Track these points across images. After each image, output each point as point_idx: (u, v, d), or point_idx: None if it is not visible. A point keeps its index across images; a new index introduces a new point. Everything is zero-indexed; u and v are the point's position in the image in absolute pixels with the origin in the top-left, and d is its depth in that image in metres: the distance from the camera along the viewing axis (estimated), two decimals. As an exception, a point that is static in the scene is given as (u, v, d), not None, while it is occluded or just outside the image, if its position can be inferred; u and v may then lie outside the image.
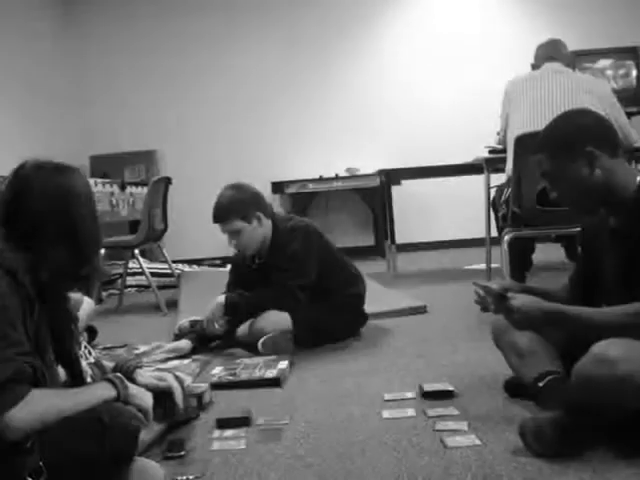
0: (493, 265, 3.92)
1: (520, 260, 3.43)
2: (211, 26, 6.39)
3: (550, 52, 3.24)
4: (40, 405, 1.29)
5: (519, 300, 1.58)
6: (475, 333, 2.74)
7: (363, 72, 6.38)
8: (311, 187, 5.93)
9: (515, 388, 1.87)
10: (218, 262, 5.74)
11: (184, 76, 6.42)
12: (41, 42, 5.84)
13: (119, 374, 1.55)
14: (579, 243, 1.82)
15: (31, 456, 1.26)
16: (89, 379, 1.57)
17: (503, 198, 3.15)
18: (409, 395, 1.97)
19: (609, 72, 6.04)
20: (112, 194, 4.55)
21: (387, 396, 1.98)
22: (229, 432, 1.76)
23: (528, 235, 3.06)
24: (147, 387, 1.61)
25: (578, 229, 1.83)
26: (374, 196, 6.01)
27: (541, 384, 1.65)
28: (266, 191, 4.93)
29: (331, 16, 6.36)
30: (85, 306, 2.83)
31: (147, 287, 4.71)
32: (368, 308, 2.94)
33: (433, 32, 6.36)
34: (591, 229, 1.73)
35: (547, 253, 4.70)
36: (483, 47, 6.29)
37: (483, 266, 4.23)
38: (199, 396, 1.96)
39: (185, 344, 2.69)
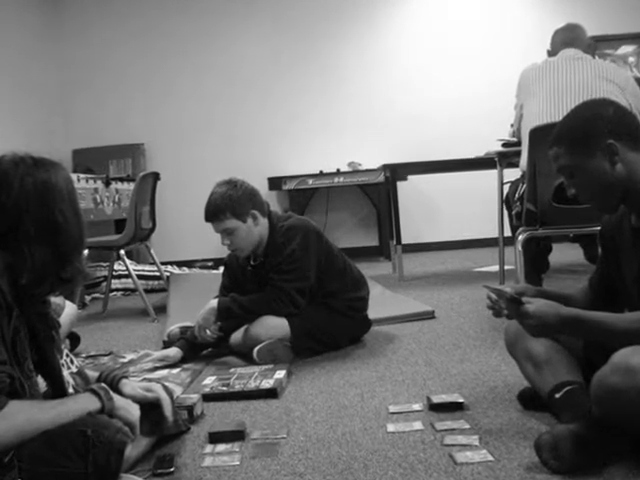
0: (506, 267, 3.94)
1: (535, 262, 3.43)
2: (203, 12, 6.38)
3: (568, 37, 3.24)
4: (18, 418, 1.29)
5: (534, 305, 1.58)
6: (487, 340, 2.75)
7: (366, 61, 6.38)
8: (311, 183, 5.93)
9: (530, 399, 1.87)
10: (210, 264, 5.75)
11: (172, 64, 6.42)
12: (23, 33, 5.85)
13: (103, 384, 1.56)
14: (599, 243, 1.82)
15: (9, 472, 1.27)
16: (71, 390, 1.57)
17: (517, 195, 3.15)
18: (416, 407, 1.97)
19: (631, 59, 6.05)
20: (96, 190, 4.56)
21: (392, 408, 1.98)
22: (222, 447, 1.76)
23: (544, 235, 3.06)
24: (134, 398, 1.62)
25: (598, 228, 1.83)
26: (378, 193, 6.02)
27: (558, 395, 1.65)
28: (262, 187, 4.92)
29: (333, 2, 6.35)
30: (67, 311, 2.83)
31: (134, 291, 4.72)
32: (372, 313, 2.94)
33: (439, 22, 6.36)
34: (611, 228, 1.73)
35: (565, 254, 4.72)
36: (493, 35, 6.28)
37: (496, 268, 4.24)
38: (190, 408, 1.96)
39: (175, 352, 2.69)
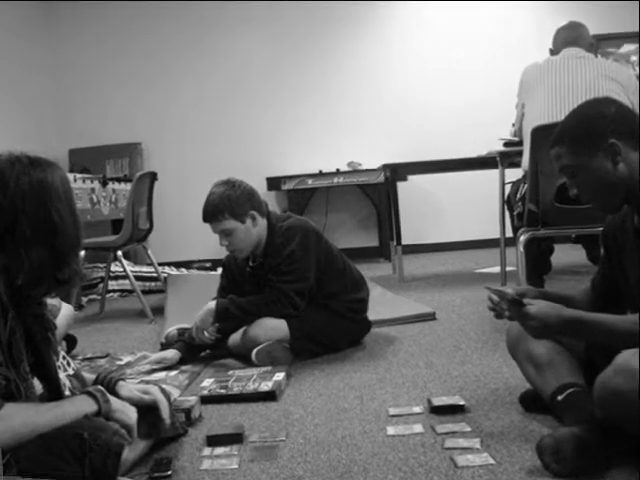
0: (508, 268, 3.93)
1: (537, 263, 3.43)
2: (201, 9, 6.38)
3: (570, 36, 3.24)
4: (15, 421, 1.29)
5: (536, 306, 1.58)
6: (488, 342, 2.75)
7: (366, 59, 6.37)
8: (310, 183, 5.92)
9: (532, 402, 1.87)
10: (208, 265, 5.74)
11: (170, 63, 6.41)
12: (21, 33, 5.86)
13: (100, 387, 1.56)
14: (601, 244, 1.82)
15: (5, 475, 1.26)
16: (68, 392, 1.57)
17: (519, 195, 3.15)
18: (416, 410, 1.96)
19: (634, 58, 6.05)
20: (93, 190, 4.56)
21: (392, 411, 1.98)
22: (220, 450, 1.76)
23: (546, 235, 3.06)
24: (131, 401, 1.62)
25: (600, 228, 1.83)
26: (379, 193, 6.02)
27: (560, 397, 1.65)
28: (261, 188, 4.93)
29: (333, 4, 6.34)
30: (64, 313, 2.83)
31: (131, 292, 4.71)
32: (372, 315, 2.94)
33: (441, 19, 6.36)
34: (614, 228, 1.73)
35: (567, 255, 4.72)
36: (493, 34, 6.28)
37: (497, 269, 4.24)
38: (187, 411, 1.96)
39: (172, 354, 2.69)
